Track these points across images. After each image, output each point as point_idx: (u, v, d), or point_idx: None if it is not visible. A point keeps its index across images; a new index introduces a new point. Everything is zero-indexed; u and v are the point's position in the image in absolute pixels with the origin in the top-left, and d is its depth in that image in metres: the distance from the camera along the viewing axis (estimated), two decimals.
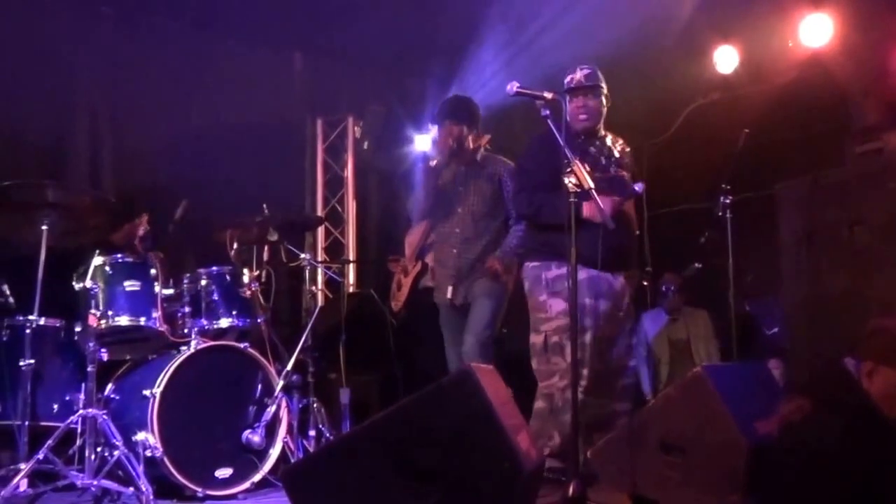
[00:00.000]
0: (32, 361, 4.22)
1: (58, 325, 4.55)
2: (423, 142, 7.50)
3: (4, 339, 4.51)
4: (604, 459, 3.80)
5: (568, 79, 4.66)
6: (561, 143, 3.85)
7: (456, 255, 5.16)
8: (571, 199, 3.79)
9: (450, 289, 5.15)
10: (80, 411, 4.19)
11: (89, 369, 4.22)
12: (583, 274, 4.21)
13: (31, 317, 4.31)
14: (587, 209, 4.28)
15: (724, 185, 4.98)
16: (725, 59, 6.77)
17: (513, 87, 3.92)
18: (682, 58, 6.72)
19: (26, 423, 4.16)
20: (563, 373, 4.34)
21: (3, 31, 5.60)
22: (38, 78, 5.70)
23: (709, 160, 5.74)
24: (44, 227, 4.28)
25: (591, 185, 3.84)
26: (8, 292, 4.67)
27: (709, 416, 3.52)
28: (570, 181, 3.83)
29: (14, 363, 4.26)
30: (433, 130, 5.26)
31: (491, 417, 3.19)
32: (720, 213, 4.97)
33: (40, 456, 3.99)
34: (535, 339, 4.54)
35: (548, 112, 3.91)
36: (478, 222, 5.15)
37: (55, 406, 4.46)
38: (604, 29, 6.04)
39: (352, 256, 7.55)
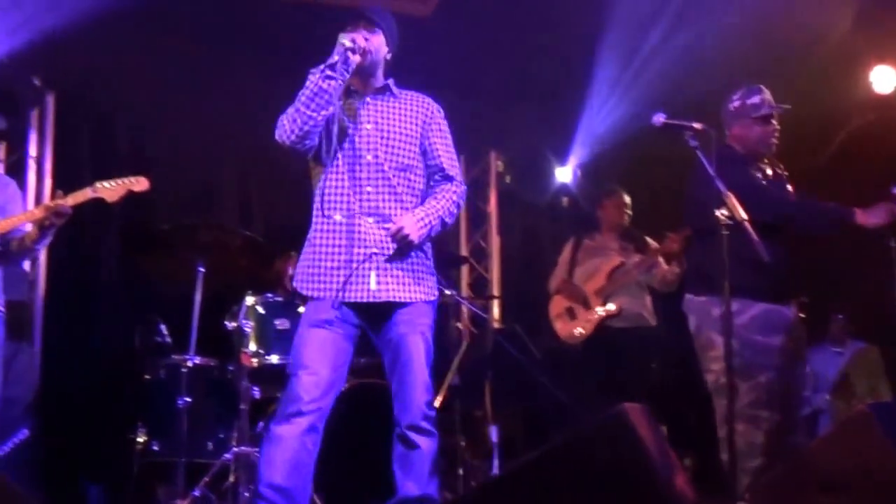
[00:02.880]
0: (189, 399, 4.34)
1: (212, 363, 4.67)
2: (565, 173, 7.43)
3: (162, 376, 4.68)
4: (763, 500, 3.61)
5: (755, 101, 4.36)
6: (711, 174, 3.74)
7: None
8: (724, 232, 3.67)
9: None
10: (234, 448, 4.29)
11: (242, 407, 4.32)
12: (755, 308, 4.09)
13: (186, 356, 4.44)
14: (861, 216, 3.98)
15: None
16: (883, 78, 6.45)
17: (659, 118, 3.81)
18: (834, 78, 6.43)
19: (183, 459, 4.28)
20: (739, 415, 4.07)
21: (152, 74, 5.88)
22: (188, 121, 5.93)
23: (867, 183, 5.45)
24: (200, 269, 4.41)
25: (744, 216, 3.70)
26: (166, 332, 4.85)
27: (875, 456, 3.30)
28: (721, 213, 3.72)
29: (171, 401, 4.40)
30: None
31: (645, 459, 3.07)
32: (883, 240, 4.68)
33: (197, 492, 4.09)
34: (708, 379, 4.32)
35: (696, 143, 3.79)
36: None
37: (210, 443, 4.57)
38: (748, 49, 5.84)
39: (496, 292, 7.50)
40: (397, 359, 3.36)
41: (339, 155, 3.37)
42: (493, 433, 5.23)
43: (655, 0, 6.04)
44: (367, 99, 3.45)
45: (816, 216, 4.11)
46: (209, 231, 4.48)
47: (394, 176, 3.40)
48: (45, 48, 5.32)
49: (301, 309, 4.66)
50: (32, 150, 5.80)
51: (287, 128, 3.29)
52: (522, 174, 7.76)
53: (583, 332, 5.63)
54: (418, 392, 3.36)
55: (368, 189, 3.36)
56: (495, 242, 7.70)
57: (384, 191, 3.37)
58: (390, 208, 3.37)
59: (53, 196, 3.99)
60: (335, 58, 3.27)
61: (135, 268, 5.02)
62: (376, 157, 3.38)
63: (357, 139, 3.39)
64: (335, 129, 3.35)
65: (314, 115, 3.26)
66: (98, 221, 5.33)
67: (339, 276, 3.30)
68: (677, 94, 5.92)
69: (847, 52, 6.24)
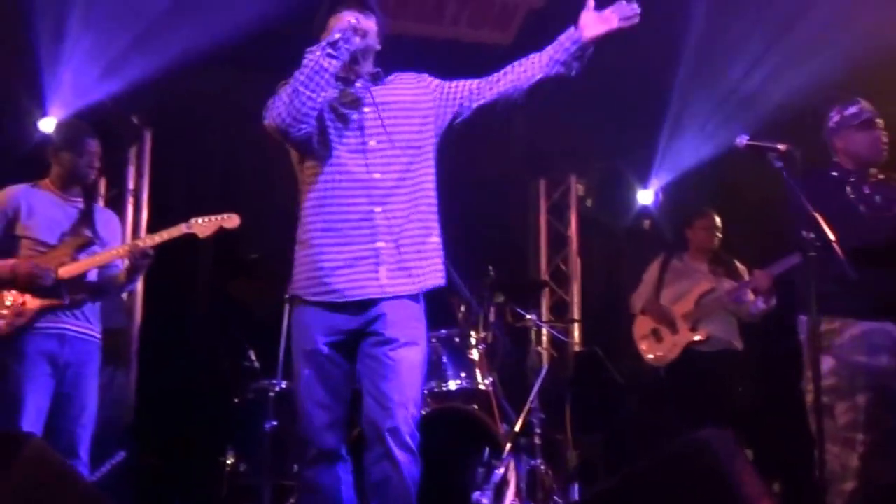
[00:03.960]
0: (275, 423, 4.46)
1: None
2: (647, 196, 7.41)
3: (250, 400, 4.82)
4: None
5: (853, 110, 4.25)
6: (798, 194, 3.72)
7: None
8: (811, 254, 3.64)
9: None
10: None
11: None
12: (856, 328, 4.03)
13: (274, 380, 4.57)
14: None
15: None
16: None
17: (742, 140, 3.79)
18: None
19: (269, 481, 4.39)
20: (834, 437, 4.04)
21: (240, 109, 6.07)
22: (276, 153, 6.10)
23: None
24: (286, 296, 4.54)
25: (833, 237, 3.67)
26: (254, 357, 5.00)
27: None
28: (809, 234, 3.69)
29: (259, 424, 4.52)
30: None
31: (729, 486, 3.05)
32: None
33: None
34: (807, 399, 4.20)
35: (781, 164, 3.77)
36: None
37: (295, 466, 4.67)
38: (838, 68, 5.75)
39: (576, 315, 7.50)
40: (388, 358, 3.01)
41: (339, 144, 3.08)
42: (573, 458, 5.23)
43: (740, 21, 6.00)
44: (358, 84, 3.16)
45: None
46: None
47: (403, 155, 3.11)
48: (142, 87, 5.57)
49: None
50: (130, 184, 6.10)
51: (282, 110, 2.97)
52: (603, 197, 7.77)
53: (669, 355, 5.59)
54: (409, 400, 3.00)
55: (376, 176, 3.07)
56: (576, 266, 7.71)
57: (393, 175, 3.08)
58: (400, 194, 3.08)
59: (149, 229, 4.18)
60: (336, 36, 3.01)
61: (225, 296, 5.20)
62: (380, 140, 3.10)
63: (358, 126, 3.11)
64: (332, 117, 3.10)
65: (314, 95, 2.96)
66: (191, 251, 5.55)
67: (344, 275, 3.02)
68: (764, 116, 5.86)
69: None
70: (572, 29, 3.18)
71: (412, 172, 3.13)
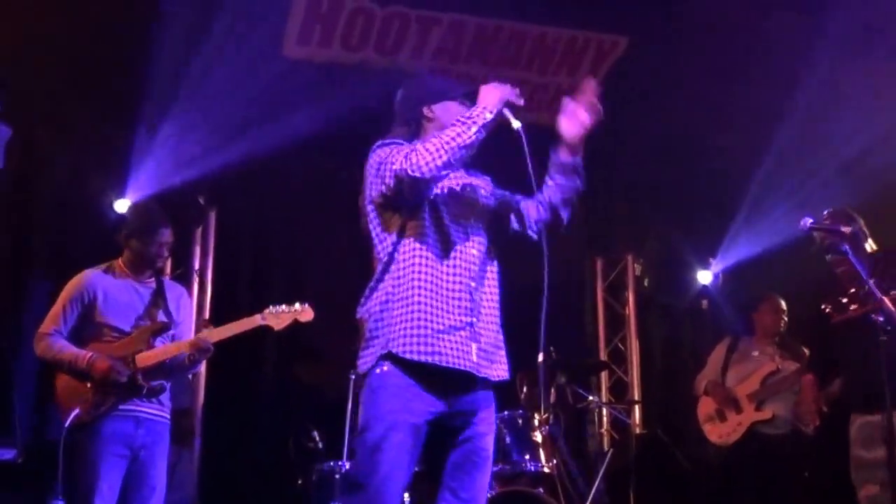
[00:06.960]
0: None
1: None
2: (705, 276, 7.38)
3: (315, 482, 4.82)
4: None
5: None
6: (864, 277, 3.71)
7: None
8: (882, 338, 3.62)
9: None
10: None
11: None
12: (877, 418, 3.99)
13: (339, 462, 4.58)
14: None
15: None
16: None
17: (806, 222, 3.81)
18: None
19: None
20: None
21: (302, 192, 6.22)
22: (338, 236, 6.22)
23: None
24: (352, 377, 4.59)
25: None
26: (318, 438, 5.02)
27: None
28: (878, 318, 3.67)
29: None
30: None
31: None
32: None
33: None
34: None
35: (846, 247, 3.76)
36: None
37: None
38: None
39: (636, 396, 7.43)
40: (480, 458, 2.93)
41: (446, 214, 3.01)
42: None
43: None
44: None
45: None
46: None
47: (490, 241, 3.07)
48: (208, 169, 5.73)
49: None
50: (196, 264, 6.24)
51: (430, 163, 2.86)
52: (660, 277, 7.75)
53: (734, 435, 5.51)
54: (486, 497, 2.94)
55: (474, 252, 3.00)
56: (634, 346, 7.65)
57: (485, 256, 3.03)
58: (488, 276, 3.03)
59: (213, 308, 4.23)
60: (487, 115, 2.92)
61: (290, 376, 5.26)
62: (476, 218, 3.06)
63: (464, 200, 3.07)
64: (444, 186, 3.04)
65: (452, 162, 2.90)
66: (255, 333, 5.64)
67: (446, 340, 2.87)
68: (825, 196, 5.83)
69: None
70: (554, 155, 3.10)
71: (494, 258, 3.10)
